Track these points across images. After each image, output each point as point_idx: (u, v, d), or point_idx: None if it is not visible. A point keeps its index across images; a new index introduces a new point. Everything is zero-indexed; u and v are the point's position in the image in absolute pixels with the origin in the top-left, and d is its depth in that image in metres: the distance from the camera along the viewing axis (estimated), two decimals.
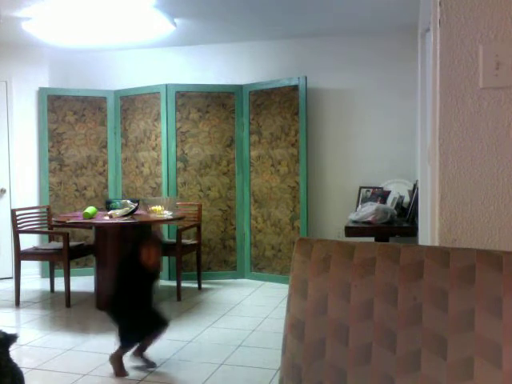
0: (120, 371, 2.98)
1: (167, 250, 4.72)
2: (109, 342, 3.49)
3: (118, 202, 4.71)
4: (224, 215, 5.39)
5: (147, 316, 3.07)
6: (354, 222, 4.21)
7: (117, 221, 4.21)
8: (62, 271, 4.58)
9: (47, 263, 5.04)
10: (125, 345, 3.01)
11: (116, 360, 3.00)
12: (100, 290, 4.35)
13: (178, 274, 4.62)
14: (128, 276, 3.07)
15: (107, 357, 3.23)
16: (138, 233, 4.21)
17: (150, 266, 3.00)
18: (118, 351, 3.01)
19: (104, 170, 5.65)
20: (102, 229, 4.36)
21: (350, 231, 4.01)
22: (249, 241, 5.38)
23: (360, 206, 4.61)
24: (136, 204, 4.50)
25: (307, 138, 5.05)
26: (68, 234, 4.45)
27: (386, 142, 5.12)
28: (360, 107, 5.22)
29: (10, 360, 2.10)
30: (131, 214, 4.36)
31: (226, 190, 5.38)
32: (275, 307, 4.33)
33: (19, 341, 2.26)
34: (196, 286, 4.98)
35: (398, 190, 4.70)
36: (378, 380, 1.06)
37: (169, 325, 3.15)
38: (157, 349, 3.25)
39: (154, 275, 3.18)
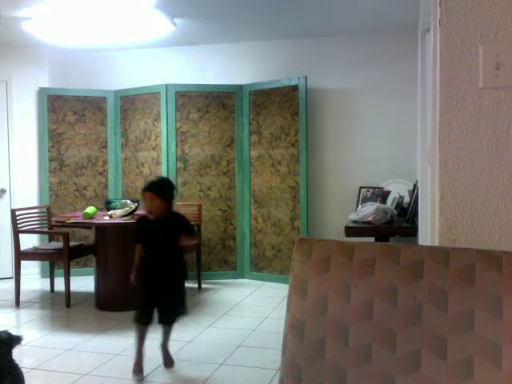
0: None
1: None
2: (109, 342, 3.50)
3: (118, 202, 4.71)
4: (224, 215, 5.39)
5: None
6: (354, 221, 4.21)
7: (117, 221, 4.22)
8: (62, 271, 4.58)
9: (47, 263, 5.04)
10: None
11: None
12: (100, 290, 4.35)
13: None
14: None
15: (107, 357, 3.24)
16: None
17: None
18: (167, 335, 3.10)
19: (104, 170, 5.65)
20: (101, 229, 4.36)
21: (350, 231, 4.01)
22: (249, 241, 5.38)
23: (360, 206, 4.61)
24: (136, 204, 4.50)
25: (307, 137, 5.04)
26: (68, 233, 4.45)
27: (386, 142, 5.12)
28: (360, 107, 5.22)
29: (11, 361, 2.10)
30: (131, 213, 4.36)
31: (226, 189, 5.38)
32: (275, 307, 4.33)
33: None
34: (196, 285, 4.98)
35: (398, 190, 4.70)
36: (377, 380, 1.06)
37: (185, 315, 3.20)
38: (157, 349, 3.25)
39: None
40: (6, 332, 2.10)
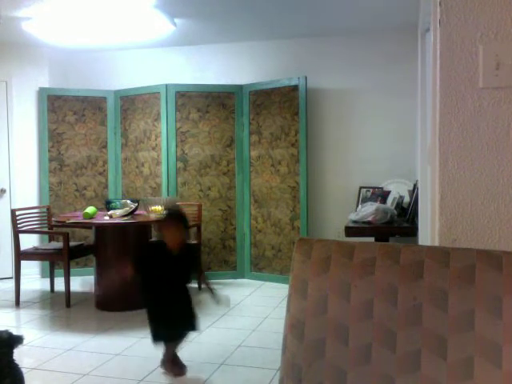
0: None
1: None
2: (109, 342, 3.50)
3: (118, 202, 4.71)
4: (224, 215, 5.39)
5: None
6: (354, 221, 4.21)
7: (117, 221, 4.22)
8: (61, 271, 4.58)
9: (47, 263, 5.04)
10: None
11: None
12: (100, 290, 4.35)
13: None
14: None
15: (107, 357, 3.24)
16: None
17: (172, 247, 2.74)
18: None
19: (104, 170, 5.65)
20: (101, 229, 4.36)
21: (350, 231, 4.01)
22: (249, 241, 5.38)
23: (360, 206, 4.61)
24: (136, 204, 4.50)
25: (307, 137, 5.04)
26: (68, 233, 4.45)
27: (386, 142, 5.12)
28: (360, 107, 5.22)
29: (12, 361, 2.09)
30: (131, 213, 4.36)
31: (226, 189, 5.38)
32: (275, 307, 4.33)
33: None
34: (196, 285, 4.98)
35: (398, 190, 4.70)
36: (377, 380, 1.06)
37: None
38: (155, 348, 3.24)
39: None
40: (6, 332, 2.10)
